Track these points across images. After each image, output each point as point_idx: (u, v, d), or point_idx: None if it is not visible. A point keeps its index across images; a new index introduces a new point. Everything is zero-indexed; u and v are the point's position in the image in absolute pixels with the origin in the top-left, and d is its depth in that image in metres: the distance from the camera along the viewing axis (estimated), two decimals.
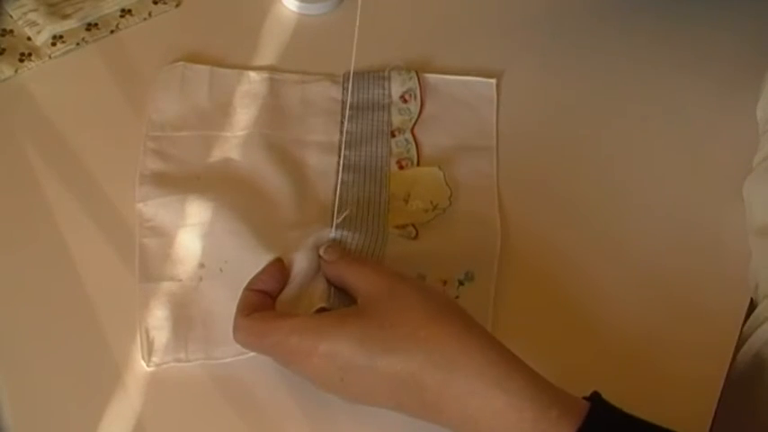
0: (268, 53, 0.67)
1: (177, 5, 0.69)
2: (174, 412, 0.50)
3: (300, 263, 0.52)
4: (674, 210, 0.61)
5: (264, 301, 0.51)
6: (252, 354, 0.50)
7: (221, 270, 0.54)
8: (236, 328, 0.49)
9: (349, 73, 0.64)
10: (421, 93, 0.64)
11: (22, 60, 0.63)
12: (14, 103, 0.62)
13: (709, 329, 0.55)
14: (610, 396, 0.45)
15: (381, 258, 0.55)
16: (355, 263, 0.51)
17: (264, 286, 0.51)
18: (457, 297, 0.55)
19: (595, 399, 0.44)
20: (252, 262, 0.53)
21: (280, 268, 0.52)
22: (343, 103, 0.63)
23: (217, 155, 0.60)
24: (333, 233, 0.54)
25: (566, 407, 0.43)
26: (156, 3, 0.68)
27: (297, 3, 0.69)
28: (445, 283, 0.55)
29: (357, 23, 0.52)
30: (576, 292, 0.56)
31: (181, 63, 0.64)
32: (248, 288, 0.51)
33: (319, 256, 0.52)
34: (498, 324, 0.54)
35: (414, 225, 0.58)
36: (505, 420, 0.43)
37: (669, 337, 0.55)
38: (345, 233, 0.55)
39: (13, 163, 0.59)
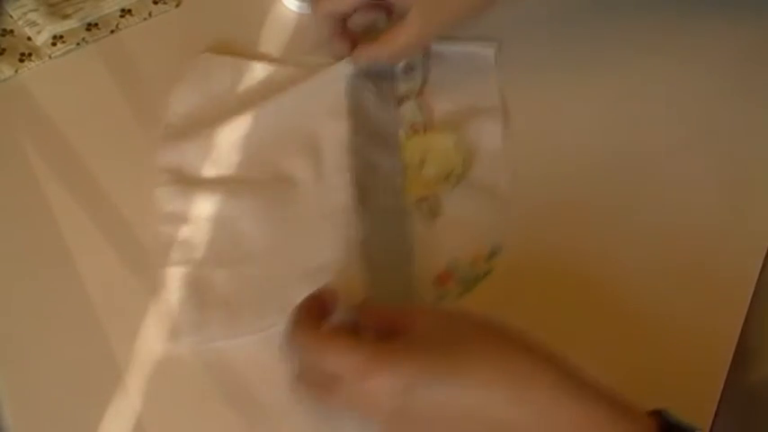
0: (268, 53, 0.67)
1: (177, 5, 0.69)
2: (174, 412, 0.50)
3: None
4: (689, 180, 0.62)
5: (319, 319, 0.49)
6: (256, 346, 0.51)
7: (241, 260, 0.55)
8: (295, 335, 0.48)
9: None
10: (423, 60, 0.65)
11: (22, 60, 0.63)
12: (14, 103, 0.62)
13: (715, 317, 0.56)
14: (625, 373, 0.45)
15: (409, 246, 0.56)
16: (402, 307, 0.51)
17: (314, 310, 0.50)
18: (490, 271, 0.56)
19: (658, 412, 0.44)
20: (271, 262, 0.55)
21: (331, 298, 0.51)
22: (349, 74, 0.64)
23: (235, 139, 0.60)
24: (356, 231, 0.56)
25: (635, 416, 0.43)
26: (156, 3, 0.68)
27: (297, 3, 0.69)
28: (476, 260, 0.56)
29: None
30: (586, 255, 0.57)
31: (206, 54, 0.65)
32: (304, 306, 0.49)
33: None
34: (534, 293, 0.55)
35: (433, 198, 0.59)
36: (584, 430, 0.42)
37: (680, 315, 0.55)
38: (367, 220, 0.56)
39: (14, 163, 0.59)
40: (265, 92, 0.63)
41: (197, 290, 0.54)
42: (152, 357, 0.52)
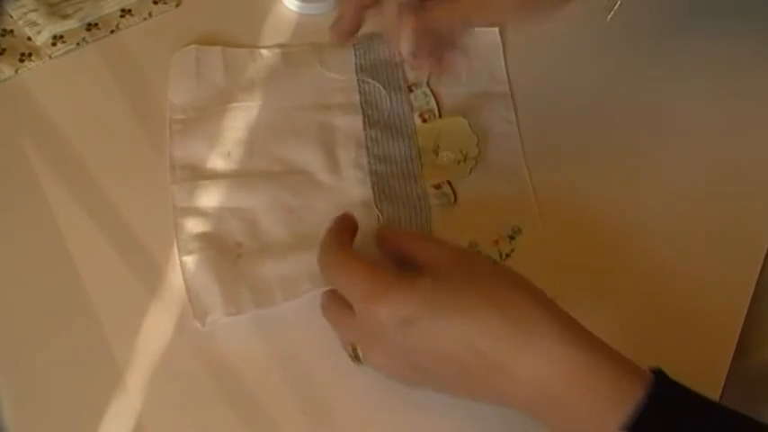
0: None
1: (177, 5, 0.69)
2: (174, 412, 0.50)
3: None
4: (698, 149, 0.63)
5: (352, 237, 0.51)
6: (256, 346, 0.52)
7: (261, 251, 0.56)
8: (324, 252, 0.50)
9: (357, 37, 0.65)
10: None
11: (22, 60, 0.63)
12: (14, 103, 0.62)
13: (728, 279, 0.57)
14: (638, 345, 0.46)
15: (429, 232, 0.57)
16: (418, 238, 0.52)
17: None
18: (513, 251, 0.56)
19: (654, 369, 0.44)
20: (295, 246, 0.55)
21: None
22: (356, 65, 0.65)
23: (243, 127, 0.61)
24: (376, 209, 0.57)
25: (635, 371, 0.43)
26: (156, 3, 0.68)
27: (297, 3, 0.69)
28: (497, 242, 0.57)
29: None
30: (602, 231, 0.59)
31: (193, 46, 0.65)
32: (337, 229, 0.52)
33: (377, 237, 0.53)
34: (557, 272, 0.56)
35: (450, 183, 0.59)
36: (581, 380, 0.43)
37: (693, 281, 0.57)
38: (387, 208, 0.57)
39: (13, 163, 0.59)
40: (266, 80, 0.64)
41: (221, 270, 0.54)
42: (152, 357, 0.52)
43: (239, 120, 0.61)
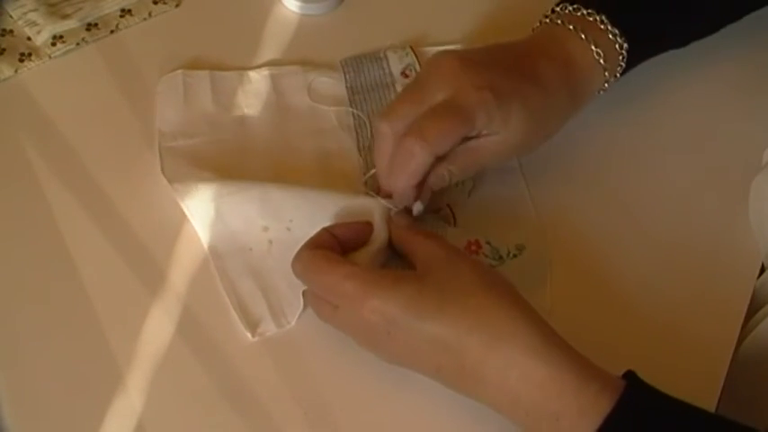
0: (269, 54, 0.67)
1: (177, 5, 0.69)
2: (174, 412, 0.50)
3: (378, 235, 0.53)
4: (693, 180, 0.63)
5: (334, 246, 0.51)
6: (256, 346, 0.51)
7: (288, 229, 0.55)
8: (297, 257, 0.50)
9: (346, 59, 0.65)
10: (420, 66, 0.64)
11: (22, 60, 0.63)
12: (14, 103, 0.62)
13: (720, 303, 0.57)
14: (630, 359, 0.46)
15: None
16: (420, 233, 0.52)
17: (341, 235, 0.52)
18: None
19: (630, 376, 0.45)
20: (321, 217, 0.54)
21: (364, 229, 0.53)
22: (348, 88, 0.64)
23: (236, 155, 0.60)
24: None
25: (604, 382, 0.44)
26: (155, 3, 0.68)
27: (297, 3, 0.69)
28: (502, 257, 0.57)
29: None
30: (600, 248, 0.59)
31: (180, 71, 0.64)
32: (326, 229, 0.52)
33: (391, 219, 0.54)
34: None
35: (449, 206, 0.59)
36: (546, 392, 0.44)
37: (685, 308, 0.56)
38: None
39: (13, 163, 0.59)
40: (256, 106, 0.63)
41: (259, 274, 0.54)
42: (152, 357, 0.52)
43: (234, 151, 0.60)
